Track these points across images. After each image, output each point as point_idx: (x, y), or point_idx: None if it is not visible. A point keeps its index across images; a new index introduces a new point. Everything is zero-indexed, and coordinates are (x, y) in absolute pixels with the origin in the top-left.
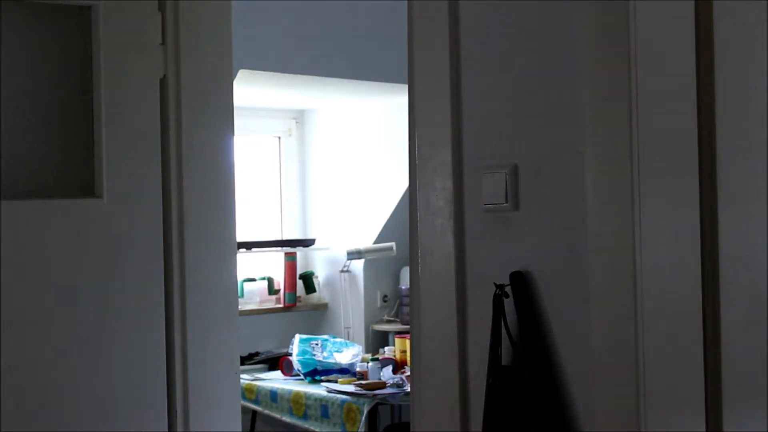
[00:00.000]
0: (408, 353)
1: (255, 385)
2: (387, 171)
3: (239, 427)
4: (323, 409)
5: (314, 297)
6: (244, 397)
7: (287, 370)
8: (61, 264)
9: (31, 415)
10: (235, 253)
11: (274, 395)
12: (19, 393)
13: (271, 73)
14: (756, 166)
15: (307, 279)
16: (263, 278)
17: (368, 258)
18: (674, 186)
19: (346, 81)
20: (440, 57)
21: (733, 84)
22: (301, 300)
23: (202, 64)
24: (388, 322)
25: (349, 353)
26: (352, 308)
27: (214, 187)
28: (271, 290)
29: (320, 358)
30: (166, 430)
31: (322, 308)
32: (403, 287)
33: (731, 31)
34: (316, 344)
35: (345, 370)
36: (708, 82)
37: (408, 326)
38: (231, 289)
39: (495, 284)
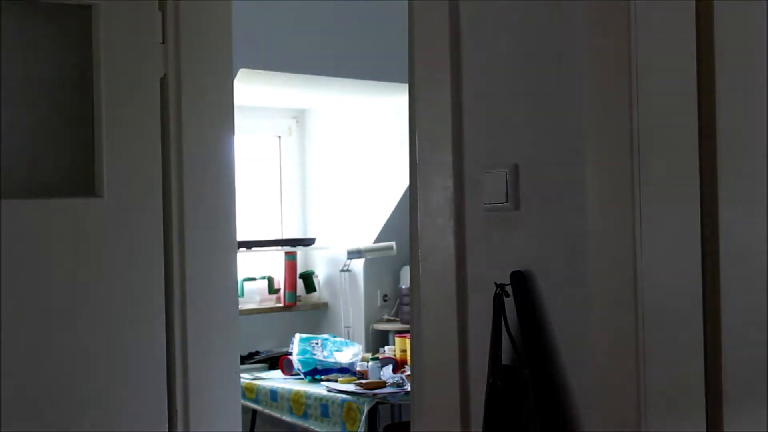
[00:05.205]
0: (408, 352)
1: (255, 384)
2: (387, 171)
3: (239, 427)
4: (323, 408)
5: (314, 296)
6: (244, 397)
7: (287, 369)
8: (61, 263)
9: (31, 414)
10: (236, 253)
11: (274, 394)
12: (18, 392)
13: (271, 72)
14: (756, 166)
15: (307, 278)
16: (263, 277)
17: (368, 257)
18: (674, 186)
19: (346, 80)
20: (440, 57)
21: (733, 84)
22: (301, 299)
23: (202, 64)
24: (388, 321)
25: (349, 352)
26: (352, 308)
27: (214, 186)
28: (271, 289)
29: (320, 358)
30: (166, 430)
31: (322, 307)
32: (403, 287)
33: (731, 31)
34: (316, 343)
35: (345, 370)
36: (708, 82)
37: (408, 325)
38: (231, 289)
39: (495, 284)
